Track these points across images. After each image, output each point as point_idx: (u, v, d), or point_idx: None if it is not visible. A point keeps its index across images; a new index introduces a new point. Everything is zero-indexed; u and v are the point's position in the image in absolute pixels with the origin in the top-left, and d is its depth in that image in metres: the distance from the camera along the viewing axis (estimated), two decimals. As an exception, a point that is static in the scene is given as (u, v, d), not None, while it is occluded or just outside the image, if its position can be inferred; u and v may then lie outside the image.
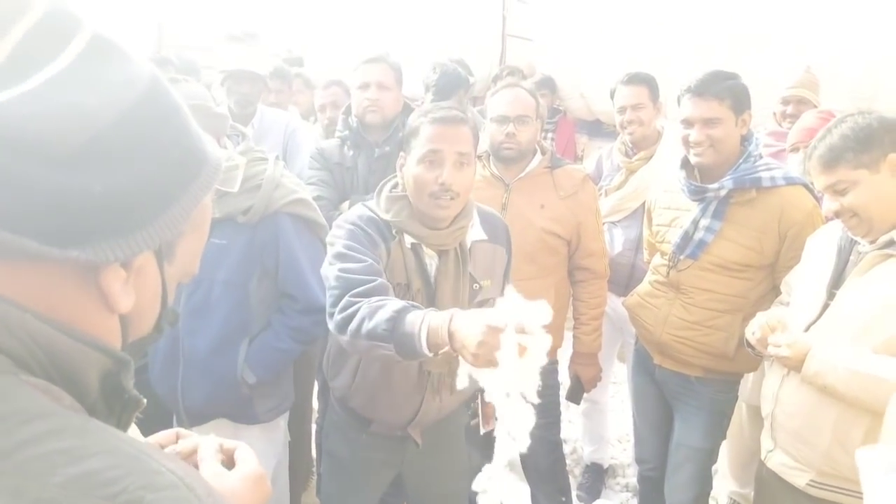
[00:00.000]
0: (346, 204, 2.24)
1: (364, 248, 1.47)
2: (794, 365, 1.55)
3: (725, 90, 1.89)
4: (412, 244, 1.55)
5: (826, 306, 1.59)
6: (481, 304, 1.59)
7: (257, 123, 2.81)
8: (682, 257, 2.02)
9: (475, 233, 1.62)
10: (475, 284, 1.58)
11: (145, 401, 0.59)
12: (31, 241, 0.47)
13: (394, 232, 1.55)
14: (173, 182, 0.55)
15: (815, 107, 2.97)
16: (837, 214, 1.54)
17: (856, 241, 1.59)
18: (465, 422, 1.89)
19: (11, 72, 0.47)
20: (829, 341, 1.53)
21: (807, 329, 1.61)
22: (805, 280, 1.71)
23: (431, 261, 1.58)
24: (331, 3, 6.79)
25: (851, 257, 1.59)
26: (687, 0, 4.16)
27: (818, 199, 1.98)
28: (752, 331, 1.68)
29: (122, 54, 0.54)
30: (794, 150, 2.51)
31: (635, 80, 2.60)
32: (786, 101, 3.04)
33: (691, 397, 2.12)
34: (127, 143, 0.51)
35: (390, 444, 1.74)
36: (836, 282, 1.59)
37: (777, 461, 1.67)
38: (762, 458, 1.74)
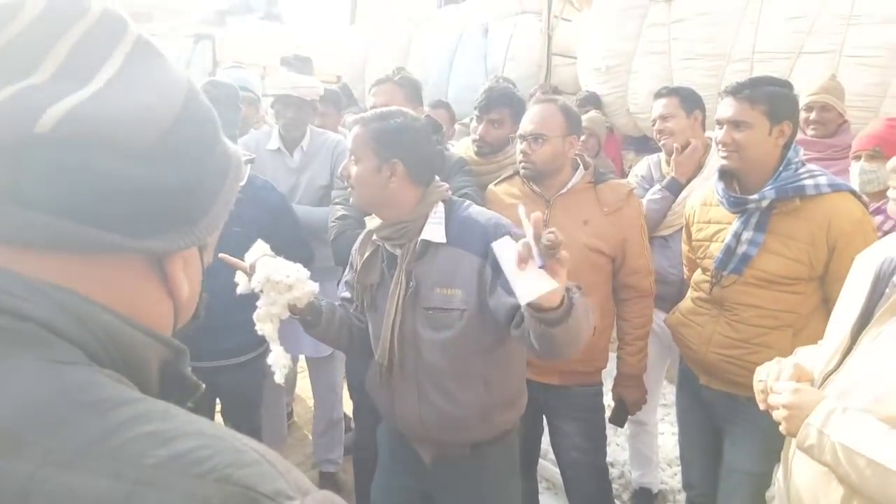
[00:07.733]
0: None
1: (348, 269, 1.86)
2: (791, 427, 1.24)
3: (762, 95, 1.83)
4: (379, 240, 1.69)
5: (847, 353, 1.26)
6: (438, 312, 1.60)
7: (306, 146, 2.87)
8: (725, 273, 1.93)
9: (430, 233, 1.62)
10: (410, 283, 1.61)
11: (203, 386, 0.61)
12: (115, 235, 0.50)
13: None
14: (219, 175, 0.59)
15: (840, 113, 2.88)
16: None
17: None
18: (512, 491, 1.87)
19: (72, 70, 0.49)
20: (839, 403, 1.18)
21: (823, 382, 1.29)
22: (838, 313, 1.37)
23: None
24: (381, 27, 6.98)
25: (887, 290, 1.21)
26: (733, 17, 4.08)
27: (866, 206, 1.88)
28: (759, 379, 1.42)
29: (159, 55, 0.56)
30: (856, 157, 2.37)
31: (666, 91, 2.65)
32: (808, 108, 2.92)
33: (742, 419, 2.00)
34: (188, 138, 0.54)
35: (408, 447, 1.79)
36: (865, 319, 1.24)
37: None
38: None
